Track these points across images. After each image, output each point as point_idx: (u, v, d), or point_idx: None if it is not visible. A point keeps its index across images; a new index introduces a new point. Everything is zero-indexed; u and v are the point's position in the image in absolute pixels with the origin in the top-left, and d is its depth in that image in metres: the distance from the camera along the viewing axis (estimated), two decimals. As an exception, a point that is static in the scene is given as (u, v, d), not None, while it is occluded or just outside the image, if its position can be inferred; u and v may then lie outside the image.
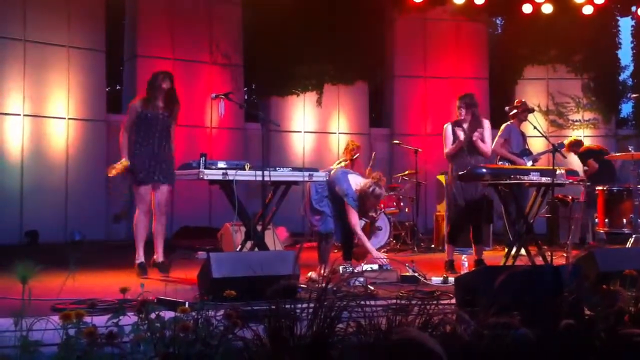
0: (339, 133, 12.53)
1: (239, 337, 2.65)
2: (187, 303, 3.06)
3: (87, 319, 2.47)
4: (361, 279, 4.83)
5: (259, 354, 2.61)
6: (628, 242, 7.07)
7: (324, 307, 2.84)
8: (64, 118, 10.30)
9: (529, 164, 7.66)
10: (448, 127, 6.69)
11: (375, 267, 5.66)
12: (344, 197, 5.87)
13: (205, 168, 5.40)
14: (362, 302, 2.96)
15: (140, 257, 6.16)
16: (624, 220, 7.82)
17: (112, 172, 6.07)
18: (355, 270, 5.41)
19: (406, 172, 9.91)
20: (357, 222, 5.93)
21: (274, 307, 2.78)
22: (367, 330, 2.78)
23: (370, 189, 5.83)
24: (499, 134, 7.87)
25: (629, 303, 3.10)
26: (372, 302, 3.08)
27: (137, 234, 6.21)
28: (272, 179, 5.65)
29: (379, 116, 14.03)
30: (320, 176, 5.90)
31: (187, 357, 2.50)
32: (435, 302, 3.19)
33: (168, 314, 2.74)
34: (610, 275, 3.65)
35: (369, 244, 6.21)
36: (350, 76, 12.61)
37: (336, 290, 4.19)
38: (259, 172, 5.52)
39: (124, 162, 6.08)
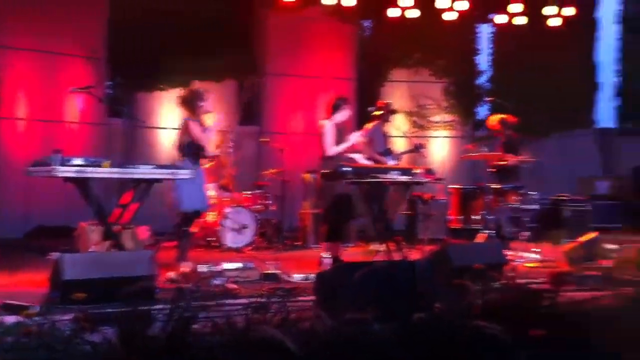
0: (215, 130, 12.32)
1: (87, 341, 2.54)
2: (32, 307, 2.89)
3: None
4: (223, 278, 4.78)
5: (108, 358, 2.50)
6: (477, 238, 7.43)
7: (180, 308, 2.77)
8: None
9: (391, 163, 7.89)
10: (331, 126, 6.75)
11: (238, 265, 5.62)
12: None
13: (60, 165, 5.12)
14: (221, 301, 2.92)
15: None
16: (475, 217, 8.25)
17: None
18: (216, 269, 5.34)
19: (273, 170, 9.92)
20: None
21: (128, 309, 2.68)
22: (224, 329, 2.74)
23: None
24: (364, 134, 8.05)
25: (477, 296, 3.24)
26: (231, 301, 3.05)
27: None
28: (133, 176, 5.46)
29: (248, 114, 13.95)
30: (184, 174, 5.78)
31: (29, 364, 2.36)
32: (293, 299, 3.20)
33: (12, 319, 2.57)
34: (463, 269, 3.81)
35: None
36: (219, 73, 12.45)
37: (195, 290, 4.13)
38: (119, 170, 5.33)
39: None
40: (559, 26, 13.28)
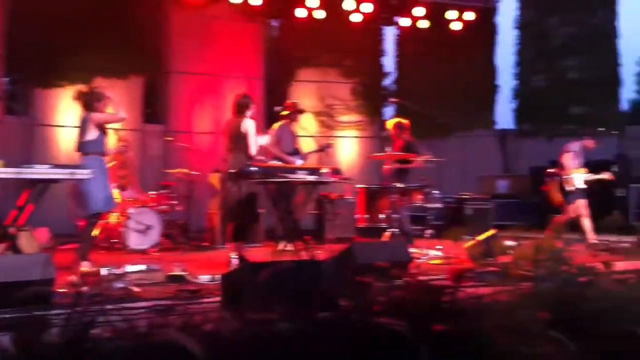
0: (110, 128, 11.95)
1: (-25, 349, 2.41)
2: None
3: None
4: (126, 281, 4.65)
5: (-1, 367, 2.38)
6: (384, 236, 7.57)
7: (78, 312, 2.68)
8: None
9: (299, 162, 7.92)
10: (253, 125, 6.71)
11: (142, 267, 5.48)
12: None
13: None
14: (122, 305, 2.84)
15: None
16: (381, 216, 8.42)
17: None
18: (119, 272, 5.19)
19: (179, 170, 9.75)
20: None
21: (24, 314, 2.56)
22: (124, 334, 2.66)
23: None
24: (272, 133, 8.04)
25: (380, 293, 3.29)
26: (133, 305, 2.97)
27: None
28: (29, 177, 5.24)
29: (154, 112, 13.66)
30: (83, 173, 5.59)
31: None
32: (199, 301, 3.15)
33: None
34: (368, 267, 3.86)
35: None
36: (123, 70, 12.12)
37: (96, 294, 4.01)
38: (14, 170, 5.10)
39: None
40: (460, 30, 13.76)
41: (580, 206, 8.86)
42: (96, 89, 6.96)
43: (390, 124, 9.12)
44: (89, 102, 6.59)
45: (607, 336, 3.10)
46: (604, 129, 11.86)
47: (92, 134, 6.37)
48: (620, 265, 3.94)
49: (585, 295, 3.27)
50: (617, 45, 13.87)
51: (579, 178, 8.93)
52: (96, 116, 6.38)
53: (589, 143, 9.20)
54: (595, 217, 9.21)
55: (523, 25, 14.41)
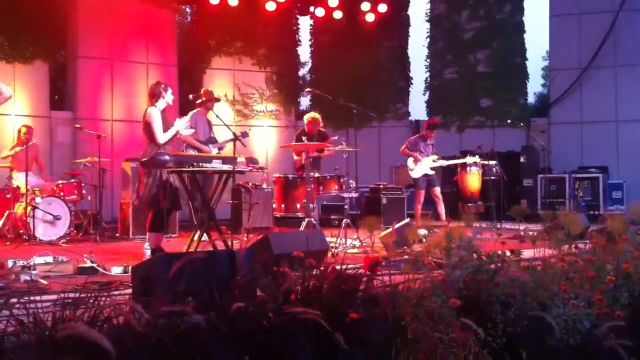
0: (15, 115, 11.48)
1: None
2: None
3: None
4: (33, 273, 4.47)
5: None
6: (300, 226, 7.59)
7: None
8: None
9: (214, 151, 7.81)
10: (157, 112, 6.52)
11: (49, 259, 5.28)
12: None
13: None
14: (27, 298, 2.71)
15: None
16: (298, 205, 8.44)
17: None
18: (25, 263, 4.98)
19: (89, 159, 9.44)
20: None
21: None
22: (30, 328, 2.55)
23: None
24: (185, 118, 7.88)
25: (296, 283, 3.29)
26: (39, 297, 2.85)
27: None
28: None
29: (61, 99, 13.18)
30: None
31: None
32: (107, 293, 3.06)
33: None
34: (283, 257, 3.85)
35: None
36: (27, 54, 11.62)
37: (1, 287, 3.83)
38: None
39: None
40: (373, 22, 13.94)
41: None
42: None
43: (306, 119, 9.41)
44: None
45: (515, 321, 3.21)
46: (510, 121, 12.32)
47: None
48: (527, 253, 4.08)
49: (493, 282, 3.37)
50: (524, 40, 14.36)
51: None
52: None
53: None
54: (504, 206, 9.60)
55: (433, 18, 14.71)
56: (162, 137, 6.43)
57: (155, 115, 6.44)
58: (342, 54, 14.04)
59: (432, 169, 9.92)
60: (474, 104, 14.35)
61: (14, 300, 2.67)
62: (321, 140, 8.94)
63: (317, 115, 9.38)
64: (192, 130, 7.19)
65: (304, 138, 8.99)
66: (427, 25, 14.77)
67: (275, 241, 4.73)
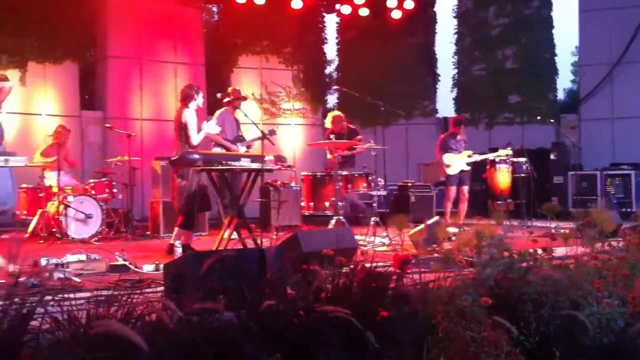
0: (46, 115, 11.64)
1: None
2: None
3: None
4: (66, 271, 4.53)
5: None
6: (329, 224, 7.59)
7: (16, 304, 2.59)
8: None
9: (242, 150, 7.85)
10: (194, 115, 6.66)
11: (83, 257, 5.35)
12: None
13: None
14: (62, 296, 2.75)
15: None
16: (327, 204, 8.44)
17: None
18: (58, 262, 5.05)
19: (119, 157, 9.54)
20: None
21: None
22: (64, 325, 2.59)
23: None
24: (213, 121, 7.94)
25: (326, 281, 3.29)
26: (73, 295, 2.88)
27: None
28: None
29: (92, 98, 13.34)
30: (18, 161, 5.40)
31: None
32: (140, 291, 3.09)
33: None
34: (313, 255, 3.85)
35: None
36: (58, 54, 11.77)
37: (35, 285, 3.89)
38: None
39: None
40: (400, 19, 13.88)
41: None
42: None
43: (328, 119, 9.42)
44: None
45: (547, 320, 3.18)
46: (539, 117, 12.17)
47: None
48: (559, 251, 4.03)
49: (525, 281, 3.34)
50: (552, 35, 14.19)
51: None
52: None
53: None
54: (534, 204, 9.49)
55: (461, 14, 14.60)
56: (196, 138, 6.53)
57: (192, 118, 6.55)
58: (369, 52, 14.00)
59: (467, 164, 9.82)
60: (503, 100, 14.21)
61: (49, 297, 2.70)
62: (351, 136, 8.90)
63: (338, 113, 9.36)
64: (219, 129, 7.23)
65: (331, 136, 8.99)
66: (454, 21, 14.67)
67: (304, 239, 4.74)
